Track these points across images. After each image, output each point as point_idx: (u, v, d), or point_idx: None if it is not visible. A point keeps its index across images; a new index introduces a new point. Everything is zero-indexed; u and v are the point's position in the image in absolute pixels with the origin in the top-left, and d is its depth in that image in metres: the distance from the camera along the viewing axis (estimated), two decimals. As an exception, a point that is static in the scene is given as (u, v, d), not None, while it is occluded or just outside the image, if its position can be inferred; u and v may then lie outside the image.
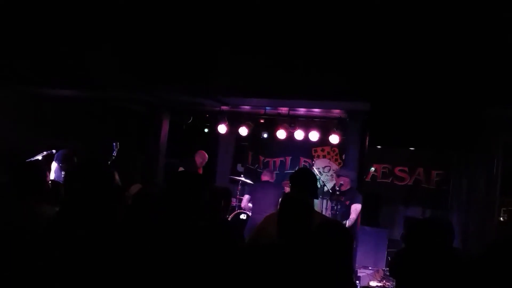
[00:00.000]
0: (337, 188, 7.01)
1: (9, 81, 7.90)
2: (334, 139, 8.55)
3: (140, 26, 6.44)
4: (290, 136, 8.95)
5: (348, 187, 7.06)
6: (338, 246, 2.65)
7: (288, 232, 3.00)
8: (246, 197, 8.18)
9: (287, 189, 8.85)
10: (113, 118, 9.48)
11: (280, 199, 3.56)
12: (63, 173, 7.23)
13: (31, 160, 6.79)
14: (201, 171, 8.61)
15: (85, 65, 7.14)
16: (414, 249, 3.09)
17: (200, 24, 6.30)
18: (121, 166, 7.85)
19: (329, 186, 10.06)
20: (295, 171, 4.25)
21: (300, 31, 6.16)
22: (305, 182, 3.95)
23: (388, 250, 8.06)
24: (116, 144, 7.31)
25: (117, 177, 2.47)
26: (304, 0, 5.61)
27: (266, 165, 10.81)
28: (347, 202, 6.95)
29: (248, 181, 9.06)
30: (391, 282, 7.67)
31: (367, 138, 7.81)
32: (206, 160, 8.72)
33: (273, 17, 5.97)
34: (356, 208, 6.88)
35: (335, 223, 3.28)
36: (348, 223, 6.68)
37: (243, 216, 8.41)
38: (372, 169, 9.72)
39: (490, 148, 6.80)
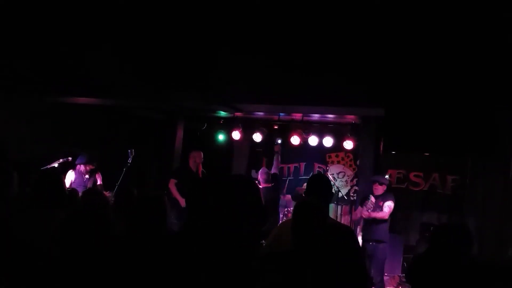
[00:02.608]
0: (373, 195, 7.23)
1: (26, 89, 8.02)
2: (348, 144, 8.55)
3: (155, 34, 6.51)
4: (304, 142, 8.95)
5: (381, 192, 7.23)
6: (345, 250, 2.65)
7: (301, 238, 3.01)
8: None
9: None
10: (129, 125, 9.57)
11: (293, 205, 3.58)
12: (86, 176, 7.42)
13: (47, 168, 6.91)
14: (200, 170, 8.38)
15: (101, 73, 7.23)
16: (433, 255, 3.07)
17: (213, 32, 6.35)
18: (137, 173, 7.99)
19: (343, 191, 10.04)
20: (310, 177, 4.26)
21: (314, 37, 6.18)
22: (320, 188, 3.96)
23: (404, 256, 8.02)
24: (131, 152, 7.39)
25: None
26: (319, 7, 5.64)
27: (280, 171, 10.82)
28: (381, 203, 7.11)
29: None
30: (407, 288, 7.63)
31: (381, 143, 7.79)
32: (200, 158, 8.33)
33: (288, 24, 6.00)
34: (389, 204, 7.07)
35: (343, 228, 3.28)
36: (379, 214, 7.00)
37: None
38: (387, 176, 9.70)
39: (506, 152, 6.73)
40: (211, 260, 1.83)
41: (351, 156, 10.26)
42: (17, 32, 6.47)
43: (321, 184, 4.05)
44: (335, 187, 9.41)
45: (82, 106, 8.86)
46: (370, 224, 7.12)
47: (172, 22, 6.30)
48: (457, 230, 3.11)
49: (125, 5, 5.87)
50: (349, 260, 2.69)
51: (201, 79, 7.09)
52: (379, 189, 7.19)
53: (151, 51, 6.94)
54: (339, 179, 10.31)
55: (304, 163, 10.67)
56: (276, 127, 9.38)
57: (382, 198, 7.14)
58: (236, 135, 9.21)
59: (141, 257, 2.20)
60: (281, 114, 8.84)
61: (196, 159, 8.23)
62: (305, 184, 9.06)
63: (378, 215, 7.01)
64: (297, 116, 8.77)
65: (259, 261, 2.26)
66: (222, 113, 9.13)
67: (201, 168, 8.30)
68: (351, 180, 10.30)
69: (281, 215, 8.88)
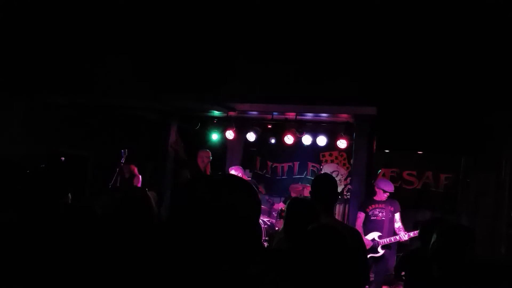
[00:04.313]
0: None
1: (20, 89, 7.98)
2: (341, 143, 8.56)
3: (150, 35, 6.50)
4: (298, 141, 8.96)
5: (385, 198, 7.22)
6: (341, 250, 2.64)
7: (293, 235, 3.01)
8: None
9: (293, 194, 8.87)
10: (122, 125, 9.54)
11: (287, 202, 3.56)
12: (126, 177, 7.48)
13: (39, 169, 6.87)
14: (208, 170, 8.52)
15: (95, 73, 7.21)
16: (428, 253, 3.04)
17: (208, 32, 6.35)
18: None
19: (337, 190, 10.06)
20: (316, 178, 4.14)
21: (307, 37, 6.19)
22: (325, 188, 3.85)
23: (397, 254, 8.02)
24: (124, 151, 7.37)
25: None
26: (312, 7, 5.65)
27: (274, 171, 10.82)
28: (391, 208, 7.18)
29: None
30: (401, 286, 7.63)
31: (375, 142, 7.80)
32: (209, 157, 8.59)
33: (281, 24, 6.00)
34: (399, 215, 7.27)
35: (344, 228, 3.28)
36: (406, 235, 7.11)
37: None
38: (380, 171, 9.69)
39: (499, 151, 6.76)
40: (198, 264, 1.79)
41: (345, 155, 10.27)
42: (15, 32, 6.45)
43: (328, 185, 3.92)
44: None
45: (75, 106, 8.83)
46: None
47: (167, 24, 6.30)
48: (465, 233, 3.06)
49: (122, 8, 5.87)
50: (344, 260, 2.68)
51: (195, 79, 7.09)
52: (383, 197, 7.17)
53: (145, 51, 6.94)
54: (333, 178, 10.31)
55: (298, 162, 10.67)
56: (269, 126, 9.38)
57: (389, 203, 7.20)
58: (229, 134, 9.20)
59: (129, 256, 2.18)
60: (274, 113, 8.84)
61: (204, 159, 8.38)
62: (296, 184, 9.13)
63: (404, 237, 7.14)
64: (291, 115, 8.77)
65: (258, 265, 2.18)
66: (216, 113, 9.12)
67: (209, 167, 8.40)
68: (345, 179, 10.31)
69: (274, 214, 8.88)
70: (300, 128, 8.81)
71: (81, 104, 8.77)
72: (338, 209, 10.11)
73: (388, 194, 7.17)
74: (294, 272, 2.64)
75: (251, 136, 9.18)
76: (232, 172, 8.36)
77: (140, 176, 7.83)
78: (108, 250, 2.33)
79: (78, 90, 7.88)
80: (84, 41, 6.75)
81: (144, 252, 2.08)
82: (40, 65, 7.20)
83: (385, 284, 7.75)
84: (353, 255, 2.90)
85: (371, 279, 7.16)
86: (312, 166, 10.53)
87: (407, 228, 7.45)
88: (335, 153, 10.38)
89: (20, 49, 6.79)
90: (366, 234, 7.03)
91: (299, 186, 9.01)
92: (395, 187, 9.60)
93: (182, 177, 6.23)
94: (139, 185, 7.72)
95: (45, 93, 8.23)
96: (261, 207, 1.79)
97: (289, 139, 8.83)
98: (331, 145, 9.08)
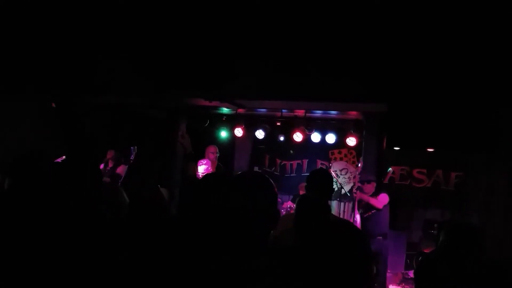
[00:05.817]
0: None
1: (26, 88, 8.00)
2: (351, 141, 8.52)
3: (156, 33, 6.49)
4: (307, 139, 8.92)
5: (373, 190, 7.22)
6: (349, 246, 2.62)
7: (305, 233, 2.99)
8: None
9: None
10: (131, 123, 9.55)
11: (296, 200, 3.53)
12: (107, 167, 7.47)
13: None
14: (215, 165, 8.47)
15: (102, 72, 7.21)
16: (445, 255, 3.00)
17: (216, 29, 6.33)
18: (140, 171, 7.97)
19: (346, 188, 10.01)
20: (311, 172, 4.15)
21: (317, 34, 6.15)
22: (321, 183, 3.88)
23: (407, 253, 7.99)
24: (134, 149, 7.39)
25: None
26: (322, 4, 5.62)
27: (283, 168, 10.79)
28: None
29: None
30: (410, 286, 7.59)
31: (385, 140, 7.76)
32: (215, 153, 8.50)
33: (290, 21, 5.97)
34: (382, 196, 7.14)
35: (346, 224, 3.26)
36: (373, 200, 7.04)
37: None
38: (390, 169, 9.63)
39: (510, 148, 6.70)
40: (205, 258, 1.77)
41: (354, 153, 10.22)
42: (18, 32, 6.47)
43: (322, 179, 3.94)
44: (338, 184, 9.39)
45: (84, 104, 8.84)
46: (371, 219, 7.10)
47: (175, 23, 6.29)
48: (472, 231, 3.04)
49: (126, 5, 5.87)
50: (353, 257, 2.66)
51: (203, 76, 7.08)
52: (369, 188, 7.18)
53: (154, 49, 6.93)
54: (342, 176, 10.28)
55: (307, 160, 10.64)
56: (278, 123, 9.35)
57: (375, 195, 7.17)
58: (238, 132, 9.18)
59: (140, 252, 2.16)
60: (283, 110, 8.80)
61: (210, 155, 8.33)
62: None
63: (372, 201, 7.02)
64: (300, 112, 8.73)
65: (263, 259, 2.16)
66: (225, 110, 9.11)
67: (216, 163, 8.36)
68: (354, 177, 10.26)
69: (283, 212, 8.86)
70: (309, 125, 8.77)
71: (90, 103, 8.79)
72: (347, 206, 10.06)
73: (374, 183, 7.27)
74: (302, 267, 2.62)
75: (260, 134, 9.16)
76: (202, 165, 8.26)
77: (125, 165, 7.77)
78: (118, 246, 2.32)
79: (84, 89, 7.90)
80: (90, 39, 6.76)
81: (153, 247, 2.07)
82: (46, 65, 7.21)
83: (393, 283, 7.71)
84: (363, 252, 2.88)
85: None
86: (321, 163, 10.49)
87: (417, 227, 7.44)
88: (344, 151, 10.33)
89: (25, 49, 6.80)
90: None
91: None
92: (405, 185, 9.61)
93: (189, 171, 6.26)
94: (123, 173, 7.67)
95: (53, 92, 8.25)
96: (276, 204, 1.78)
97: (298, 137, 8.80)
98: (340, 142, 9.04)
